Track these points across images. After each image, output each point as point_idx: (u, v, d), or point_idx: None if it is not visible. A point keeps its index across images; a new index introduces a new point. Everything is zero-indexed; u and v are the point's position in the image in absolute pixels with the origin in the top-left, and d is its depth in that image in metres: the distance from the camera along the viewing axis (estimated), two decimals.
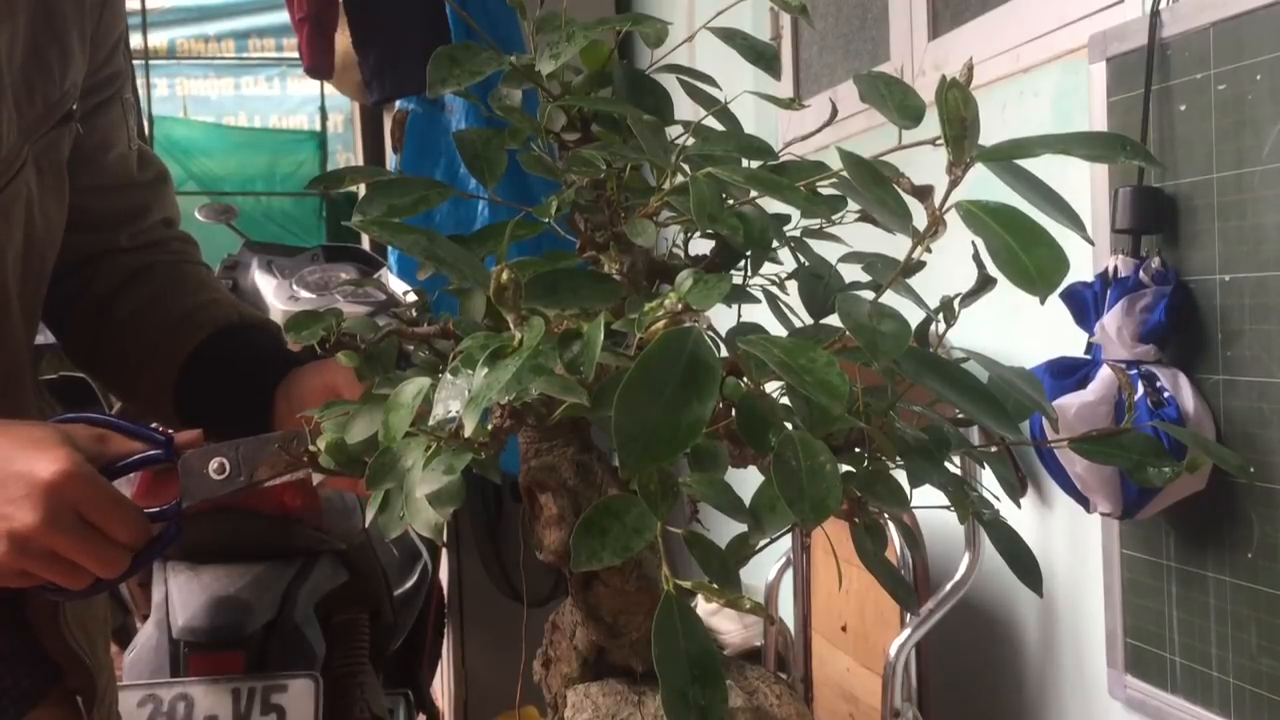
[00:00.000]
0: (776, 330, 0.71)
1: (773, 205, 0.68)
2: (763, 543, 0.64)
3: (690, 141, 0.74)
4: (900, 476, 0.66)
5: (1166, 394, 1.22)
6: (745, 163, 0.70)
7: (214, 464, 0.82)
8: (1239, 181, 1.19)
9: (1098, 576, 1.45)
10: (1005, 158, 0.58)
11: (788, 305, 0.77)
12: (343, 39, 3.22)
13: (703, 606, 1.84)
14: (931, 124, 0.59)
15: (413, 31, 2.92)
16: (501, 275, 0.57)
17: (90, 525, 0.80)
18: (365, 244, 3.36)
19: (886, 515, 0.71)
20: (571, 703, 0.75)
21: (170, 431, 0.85)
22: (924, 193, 0.60)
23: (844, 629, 1.83)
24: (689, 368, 0.52)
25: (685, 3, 2.84)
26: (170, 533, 0.84)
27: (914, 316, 0.63)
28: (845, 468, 0.64)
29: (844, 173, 0.64)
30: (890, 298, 0.61)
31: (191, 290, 1.13)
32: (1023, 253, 0.53)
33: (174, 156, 6.09)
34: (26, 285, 0.97)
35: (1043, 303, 0.54)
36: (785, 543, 1.97)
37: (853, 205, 0.70)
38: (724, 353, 0.65)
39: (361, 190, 0.72)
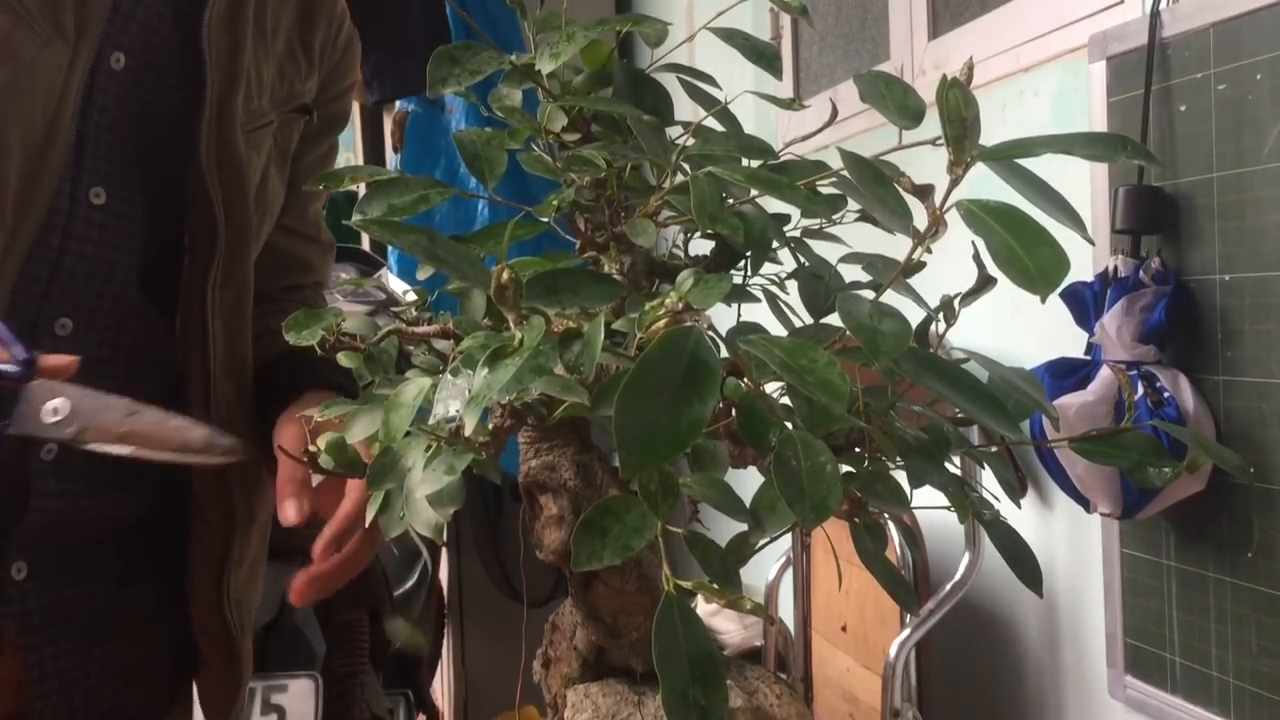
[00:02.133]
0: (776, 330, 0.71)
1: (773, 205, 0.68)
2: (763, 543, 0.64)
3: (690, 141, 0.74)
4: (900, 476, 0.66)
5: (1166, 394, 1.22)
6: (745, 162, 0.70)
7: (52, 404, 0.78)
8: (1239, 181, 1.19)
9: (1098, 576, 1.45)
10: (1006, 157, 0.58)
11: (788, 305, 0.77)
12: None
13: (703, 606, 1.84)
14: (931, 124, 0.59)
15: (413, 31, 2.92)
16: (502, 275, 0.57)
17: None
18: (365, 244, 3.36)
19: (886, 515, 0.71)
20: (571, 703, 0.75)
21: (35, 353, 0.82)
22: (924, 192, 0.60)
23: (844, 629, 1.83)
24: (690, 367, 0.52)
25: (685, 3, 2.84)
26: None
27: (914, 316, 0.63)
28: (845, 468, 0.64)
29: (844, 172, 0.64)
30: (890, 297, 0.61)
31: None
32: (1024, 252, 0.53)
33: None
34: (259, 222, 1.04)
35: (1043, 302, 0.54)
36: (785, 543, 1.97)
37: (853, 205, 0.70)
38: (724, 353, 0.65)
39: (361, 190, 0.72)
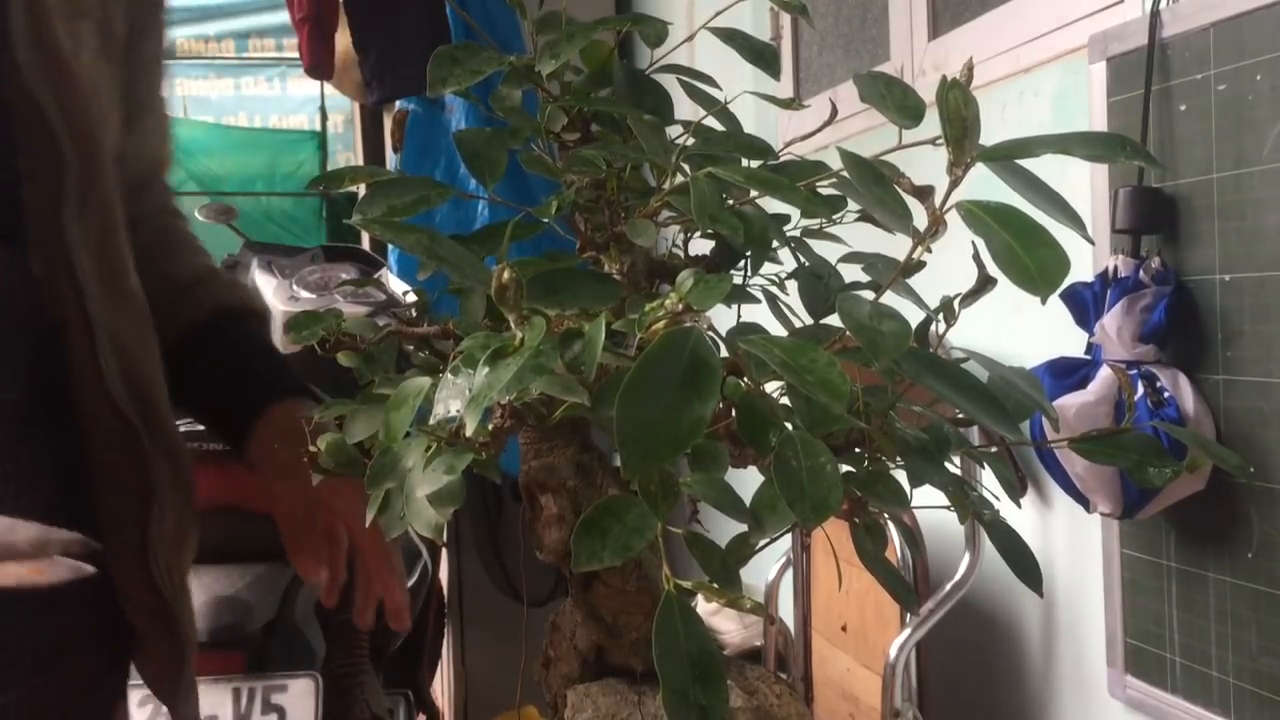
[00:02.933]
0: (776, 330, 0.71)
1: (773, 205, 0.68)
2: (763, 543, 0.64)
3: (690, 141, 0.74)
4: (900, 476, 0.66)
5: (1166, 394, 1.22)
6: (745, 162, 0.70)
7: None
8: (1239, 181, 1.19)
9: (1098, 576, 1.45)
10: (1006, 157, 0.58)
11: (788, 305, 0.77)
12: (343, 39, 3.22)
13: (703, 606, 1.84)
14: (931, 124, 0.59)
15: (413, 31, 2.92)
16: (502, 275, 0.57)
17: None
18: (365, 244, 3.36)
19: (886, 515, 0.71)
20: (571, 703, 0.75)
21: None
22: (924, 193, 0.60)
23: (844, 629, 1.83)
24: (690, 367, 0.52)
25: (685, 3, 2.84)
26: None
27: (914, 316, 0.63)
28: (845, 468, 0.64)
29: (844, 173, 0.64)
30: (890, 298, 0.61)
31: (186, 254, 1.07)
32: (1024, 253, 0.53)
33: (174, 156, 6.08)
34: (108, 128, 0.91)
35: (1043, 303, 0.54)
36: (785, 543, 1.97)
37: (853, 205, 0.71)
38: (724, 353, 0.65)
39: (361, 190, 0.72)
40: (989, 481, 0.78)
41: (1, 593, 0.77)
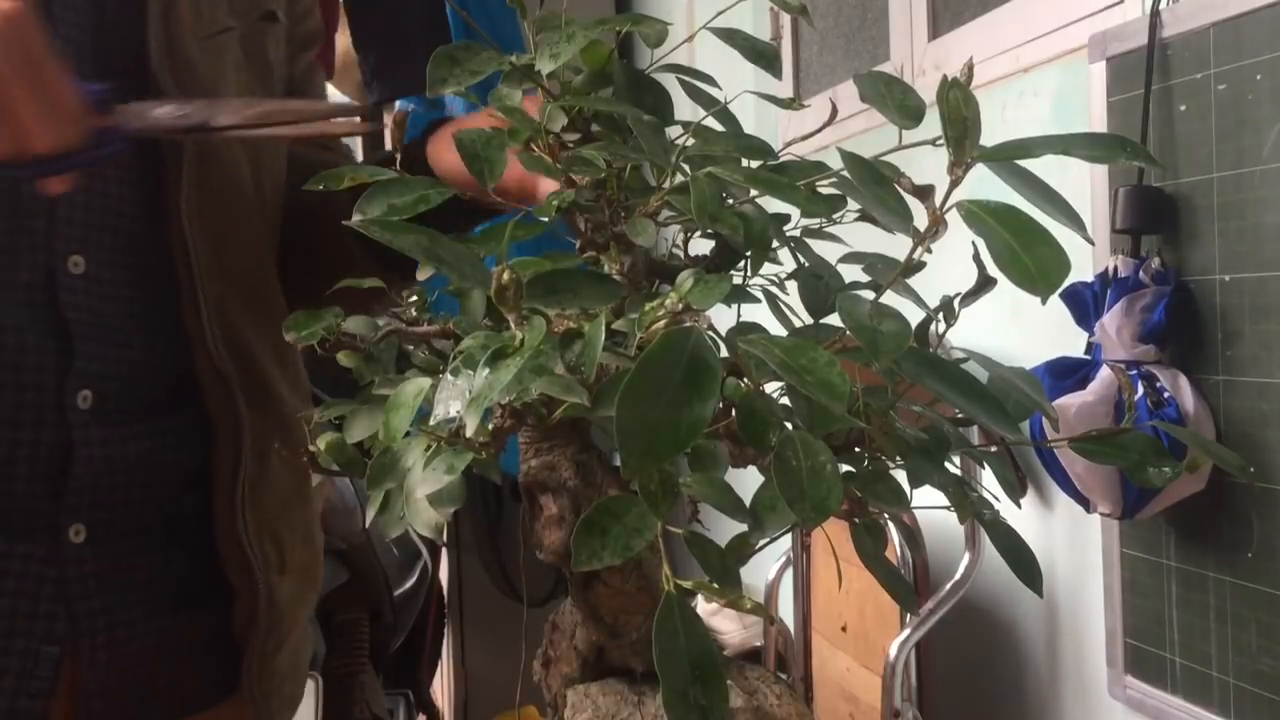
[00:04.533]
0: (776, 330, 0.71)
1: (773, 205, 0.68)
2: (763, 543, 0.64)
3: (690, 141, 0.74)
4: (900, 476, 0.66)
5: (1166, 394, 1.22)
6: (745, 163, 0.70)
7: (164, 108, 0.81)
8: (1239, 181, 1.19)
9: (1098, 576, 1.45)
10: (1006, 158, 0.58)
11: (788, 305, 0.77)
12: (343, 39, 3.22)
13: (703, 606, 1.84)
14: (932, 124, 0.59)
15: (413, 31, 2.92)
16: (502, 275, 0.57)
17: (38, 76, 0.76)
18: None
19: (886, 515, 0.71)
20: (571, 703, 0.74)
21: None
22: (924, 192, 0.60)
23: (844, 629, 1.83)
24: (690, 367, 0.52)
25: (685, 3, 2.84)
26: (111, 143, 0.80)
27: (914, 316, 0.63)
28: (845, 468, 0.64)
29: (844, 172, 0.64)
30: (890, 298, 0.61)
31: None
32: (1024, 252, 0.53)
33: None
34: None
35: (1043, 303, 0.54)
36: (785, 543, 1.97)
37: (853, 205, 0.70)
38: (724, 353, 0.65)
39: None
40: (989, 481, 0.78)
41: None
